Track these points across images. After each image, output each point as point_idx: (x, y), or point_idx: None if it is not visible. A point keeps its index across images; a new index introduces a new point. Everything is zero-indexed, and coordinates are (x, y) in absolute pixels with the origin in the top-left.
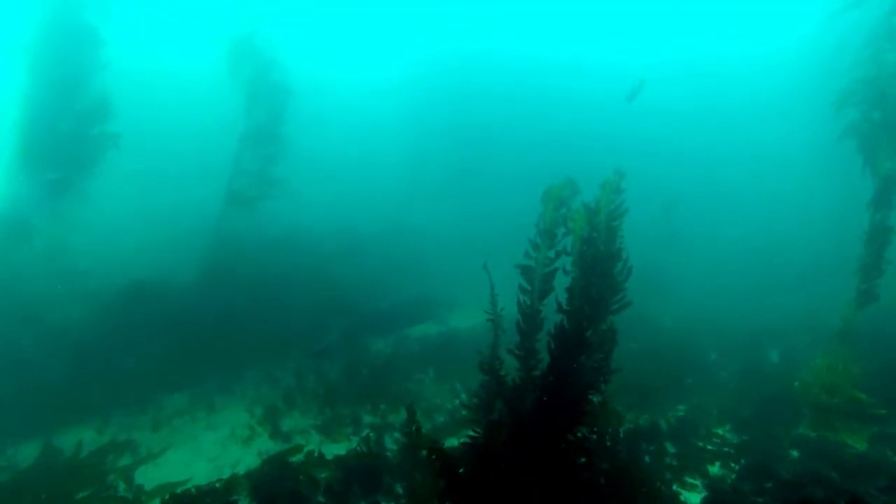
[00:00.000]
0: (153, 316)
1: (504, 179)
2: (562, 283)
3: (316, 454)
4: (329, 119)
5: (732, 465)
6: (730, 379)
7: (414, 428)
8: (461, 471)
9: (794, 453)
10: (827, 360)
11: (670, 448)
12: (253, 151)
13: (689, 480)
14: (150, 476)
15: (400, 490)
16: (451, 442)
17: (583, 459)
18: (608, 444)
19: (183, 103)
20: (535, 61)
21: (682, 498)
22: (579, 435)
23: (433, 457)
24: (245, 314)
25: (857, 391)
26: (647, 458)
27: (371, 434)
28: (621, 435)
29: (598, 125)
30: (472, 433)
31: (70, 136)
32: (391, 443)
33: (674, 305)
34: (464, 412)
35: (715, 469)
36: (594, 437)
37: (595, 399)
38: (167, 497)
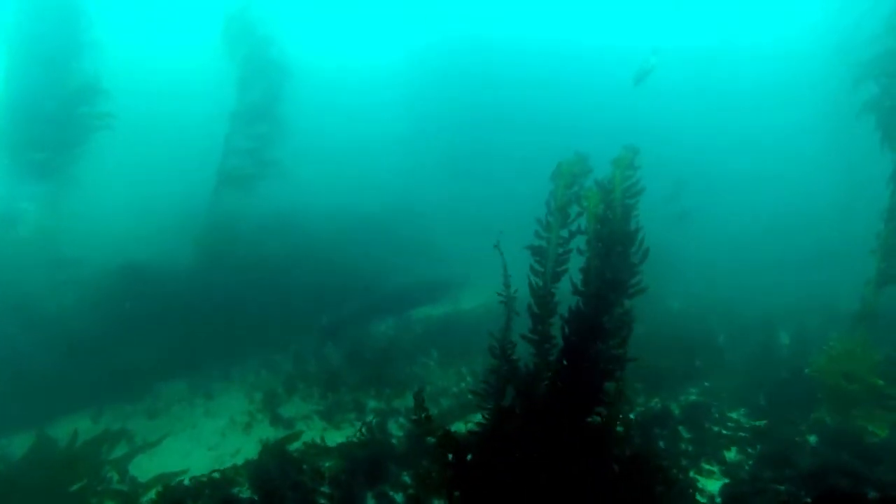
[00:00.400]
0: (148, 302)
1: (512, 161)
2: (576, 264)
3: (318, 441)
4: (330, 101)
5: (749, 450)
6: (741, 362)
7: (423, 416)
8: (470, 458)
9: (812, 439)
10: (844, 343)
11: (684, 433)
12: (246, 130)
13: (706, 467)
14: (146, 467)
15: (407, 479)
16: (458, 427)
17: (597, 446)
18: (622, 430)
19: (177, 84)
20: (542, 44)
21: (699, 485)
22: (593, 421)
23: (443, 445)
24: (243, 298)
25: (877, 377)
26: (661, 444)
27: (374, 420)
28: (633, 419)
29: (604, 109)
30: (481, 419)
31: (56, 116)
32: (396, 429)
33: (682, 286)
34: (470, 396)
35: (731, 455)
36: (609, 423)
37: (610, 386)
38: (162, 489)
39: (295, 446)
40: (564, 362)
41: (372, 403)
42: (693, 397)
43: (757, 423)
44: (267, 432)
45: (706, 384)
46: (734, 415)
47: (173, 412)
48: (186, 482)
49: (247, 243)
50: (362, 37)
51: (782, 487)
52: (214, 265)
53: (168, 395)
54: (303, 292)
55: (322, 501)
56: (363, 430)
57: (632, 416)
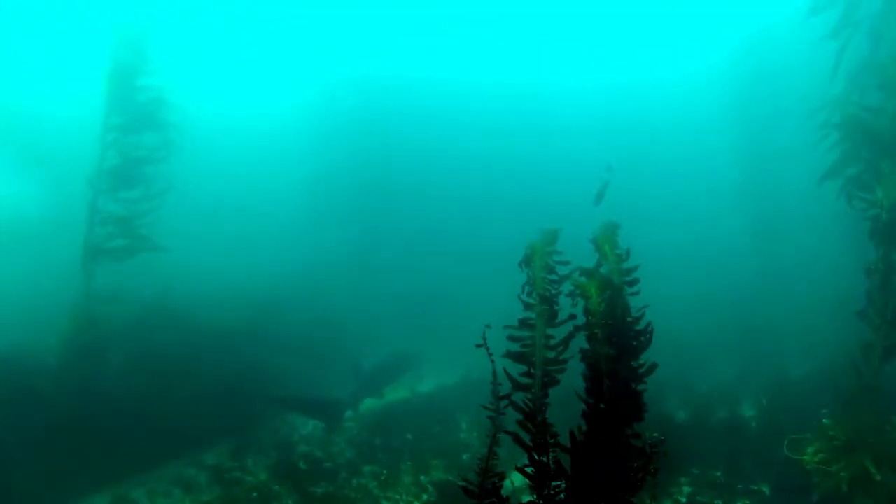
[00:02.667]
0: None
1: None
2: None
3: None
4: (223, 157)
5: None
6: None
7: None
8: None
9: None
10: (843, 425)
11: None
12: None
13: None
14: None
15: None
16: None
17: None
18: None
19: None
20: (456, 84)
21: None
22: None
23: None
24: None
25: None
26: None
27: None
28: None
29: (527, 149)
30: None
31: None
32: None
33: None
34: None
35: None
36: None
37: None
38: None
39: None
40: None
41: None
42: (689, 489)
43: None
44: None
45: (696, 472)
46: None
47: None
48: None
49: (124, 338)
50: (257, 83)
51: None
52: (90, 362)
53: None
54: (207, 390)
55: None
56: None
57: None
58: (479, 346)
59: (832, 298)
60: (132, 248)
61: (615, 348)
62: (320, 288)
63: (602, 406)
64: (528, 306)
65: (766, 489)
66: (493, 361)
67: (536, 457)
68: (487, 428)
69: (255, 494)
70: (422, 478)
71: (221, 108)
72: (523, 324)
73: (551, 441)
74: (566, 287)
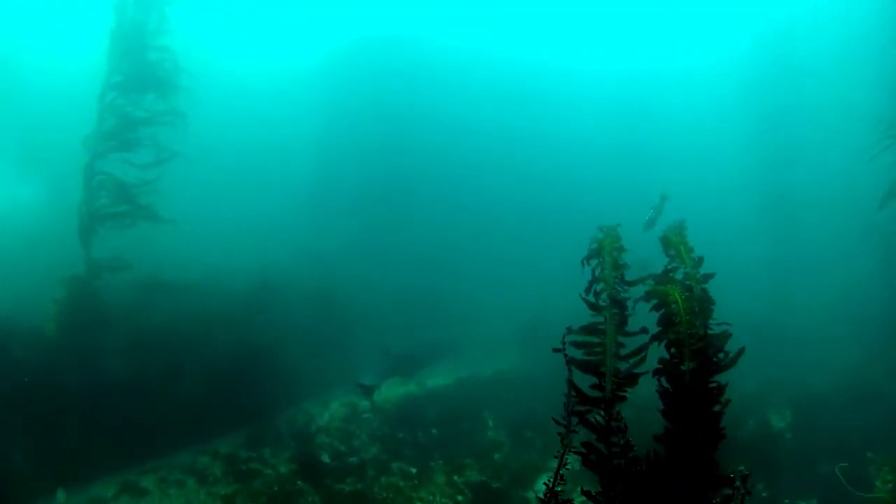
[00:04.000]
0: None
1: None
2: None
3: None
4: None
5: None
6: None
7: None
8: None
9: None
10: None
11: None
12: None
13: None
14: None
15: None
16: None
17: None
18: None
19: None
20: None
21: None
22: None
23: None
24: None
25: None
26: None
27: None
28: None
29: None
30: None
31: None
32: None
33: None
34: None
35: None
36: None
37: None
38: None
39: None
40: None
41: None
42: None
43: None
44: None
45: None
46: None
47: None
48: None
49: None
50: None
51: None
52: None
53: None
54: (218, 372)
55: None
56: None
57: None
58: (556, 350)
59: (848, 299)
60: (131, 215)
61: (700, 363)
62: (334, 271)
63: (684, 427)
64: (595, 309)
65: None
66: (570, 370)
67: (608, 483)
68: (517, 426)
69: (275, 489)
70: (455, 478)
71: (236, 66)
72: (590, 329)
73: (634, 468)
74: (634, 292)
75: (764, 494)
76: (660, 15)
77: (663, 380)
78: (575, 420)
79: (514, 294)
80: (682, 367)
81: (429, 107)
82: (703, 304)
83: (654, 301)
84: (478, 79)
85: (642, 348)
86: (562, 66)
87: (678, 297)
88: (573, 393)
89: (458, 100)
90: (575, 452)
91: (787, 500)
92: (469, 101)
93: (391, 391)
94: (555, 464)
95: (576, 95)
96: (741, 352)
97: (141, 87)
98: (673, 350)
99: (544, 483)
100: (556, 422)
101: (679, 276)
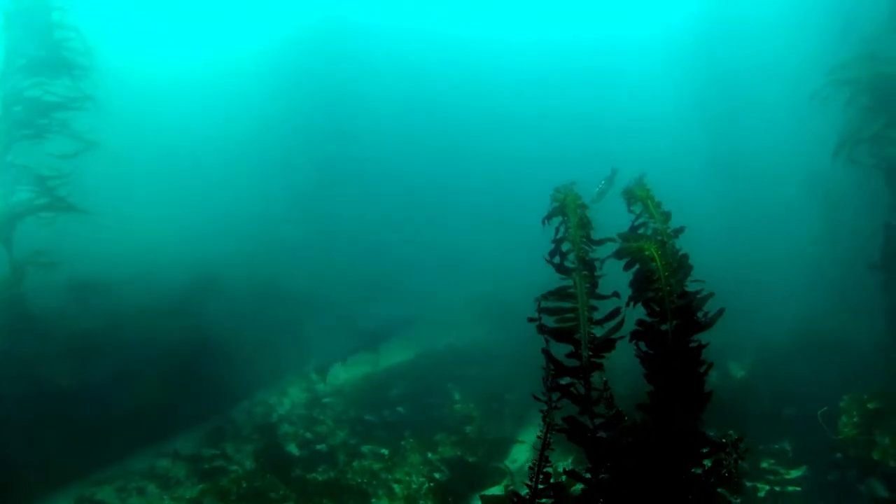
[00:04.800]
0: None
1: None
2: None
3: None
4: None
5: None
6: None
7: None
8: None
9: None
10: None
11: None
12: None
13: None
14: None
15: None
16: None
17: None
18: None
19: None
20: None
21: None
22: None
23: None
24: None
25: None
26: None
27: None
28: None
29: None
30: None
31: None
32: None
33: None
34: None
35: None
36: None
37: None
38: None
39: None
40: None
41: None
42: None
43: None
44: None
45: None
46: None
47: None
48: None
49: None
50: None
51: None
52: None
53: None
54: (164, 368)
55: None
56: None
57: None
58: (532, 320)
59: (800, 256)
60: (53, 208)
61: (681, 322)
62: (285, 258)
63: (669, 391)
64: (562, 271)
65: (787, 446)
66: (547, 341)
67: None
68: (485, 397)
69: (244, 486)
70: (429, 455)
71: (170, 54)
72: (560, 293)
73: (623, 439)
74: (602, 252)
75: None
76: None
77: (642, 344)
78: (556, 395)
79: (471, 271)
80: (664, 327)
81: (377, 89)
82: (680, 260)
83: (626, 259)
84: (426, 59)
85: (617, 311)
86: (507, 39)
87: (654, 252)
88: (551, 366)
89: (405, 80)
90: (559, 430)
91: (760, 446)
92: (417, 82)
93: (352, 372)
94: (529, 434)
95: (523, 69)
96: (721, 312)
97: (48, 69)
98: (654, 308)
99: (529, 467)
100: (537, 398)
101: (648, 232)
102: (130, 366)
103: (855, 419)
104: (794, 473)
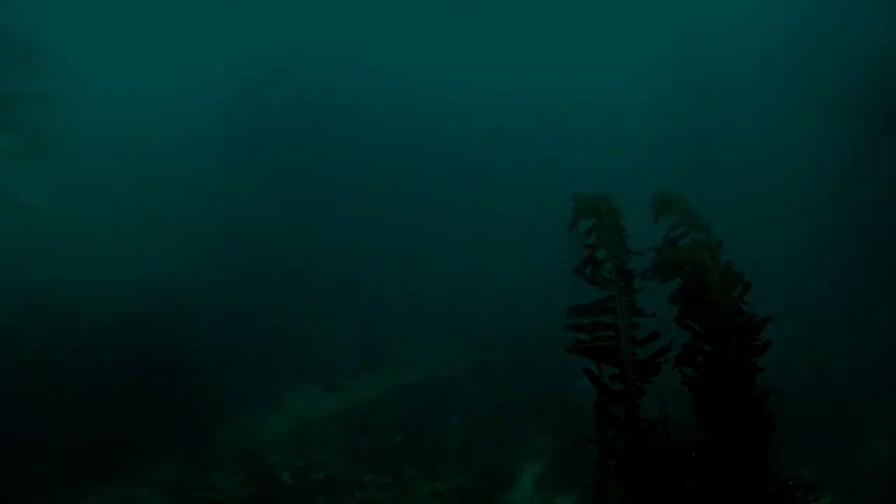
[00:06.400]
0: None
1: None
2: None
3: None
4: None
5: None
6: None
7: None
8: None
9: None
10: None
11: None
12: None
13: None
14: None
15: None
16: None
17: None
18: None
19: None
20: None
21: None
22: None
23: None
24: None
25: None
26: None
27: None
28: None
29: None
30: None
31: None
32: None
33: None
34: None
35: None
36: None
37: None
38: None
39: None
40: None
41: None
42: None
43: None
44: None
45: None
46: None
47: None
48: None
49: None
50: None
51: None
52: None
53: None
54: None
55: None
56: None
57: None
58: (570, 350)
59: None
60: None
61: (740, 343)
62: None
63: (731, 424)
64: (598, 283)
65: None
66: (599, 370)
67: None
68: (486, 423)
69: None
70: (437, 486)
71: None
72: (598, 308)
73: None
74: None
75: None
76: None
77: (687, 369)
78: (610, 434)
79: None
80: (725, 345)
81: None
82: (735, 274)
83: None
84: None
85: (655, 335)
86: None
87: (709, 260)
88: (604, 396)
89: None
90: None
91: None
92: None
93: (338, 397)
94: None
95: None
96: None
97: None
98: (709, 324)
99: None
100: (589, 440)
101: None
102: (91, 384)
103: None
104: None
